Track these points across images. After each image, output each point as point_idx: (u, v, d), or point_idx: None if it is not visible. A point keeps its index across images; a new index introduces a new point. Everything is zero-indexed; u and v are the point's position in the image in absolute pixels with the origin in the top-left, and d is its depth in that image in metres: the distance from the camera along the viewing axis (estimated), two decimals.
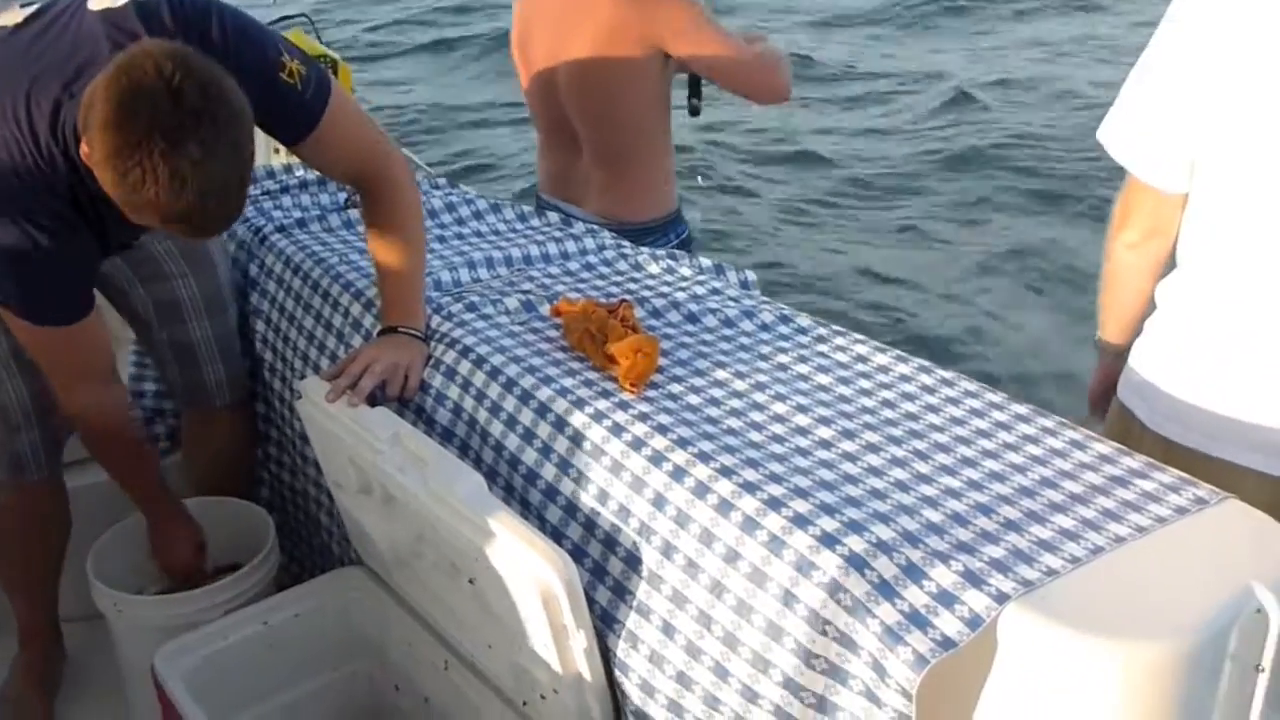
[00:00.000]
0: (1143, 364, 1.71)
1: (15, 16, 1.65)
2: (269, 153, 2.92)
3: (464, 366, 1.71)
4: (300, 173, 2.51)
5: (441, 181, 2.48)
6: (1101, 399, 1.90)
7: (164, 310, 2.10)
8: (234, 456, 2.30)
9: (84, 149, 1.48)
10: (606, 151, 2.51)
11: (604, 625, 1.44)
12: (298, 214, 2.31)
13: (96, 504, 2.00)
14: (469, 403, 1.69)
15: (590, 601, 1.44)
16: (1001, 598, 1.14)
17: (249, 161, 1.51)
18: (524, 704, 1.62)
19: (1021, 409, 1.55)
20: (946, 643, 1.12)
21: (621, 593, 1.42)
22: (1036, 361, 4.78)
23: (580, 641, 1.39)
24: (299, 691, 1.95)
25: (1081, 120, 6.71)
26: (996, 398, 1.58)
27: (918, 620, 1.15)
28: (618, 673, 1.44)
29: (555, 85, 2.48)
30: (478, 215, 2.32)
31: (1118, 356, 1.82)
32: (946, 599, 1.15)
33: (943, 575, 1.17)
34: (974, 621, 1.13)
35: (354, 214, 2.31)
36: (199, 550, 2.07)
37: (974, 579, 1.16)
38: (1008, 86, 7.79)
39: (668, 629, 1.37)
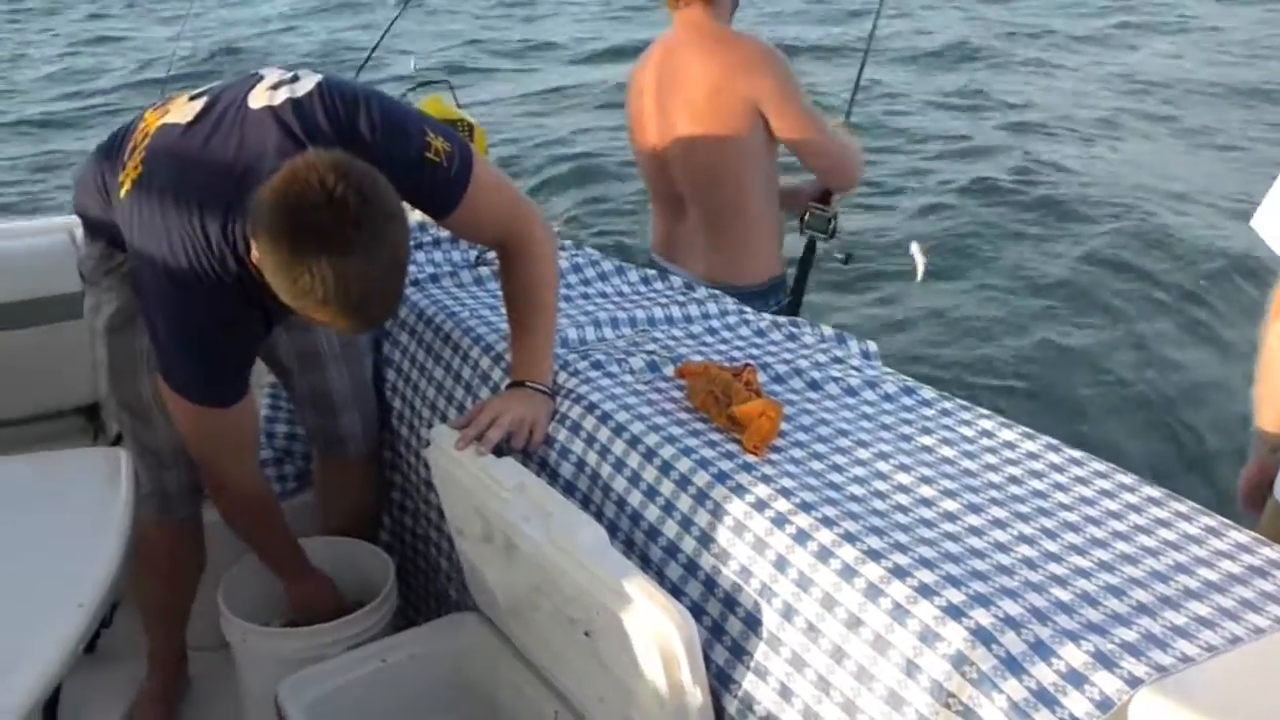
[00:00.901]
0: None
1: (186, 111, 1.76)
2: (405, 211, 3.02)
3: (589, 422, 1.75)
4: (434, 231, 2.59)
5: (567, 243, 2.54)
6: (1254, 494, 1.83)
7: (306, 358, 2.18)
8: (364, 503, 2.37)
9: (254, 254, 1.58)
10: (709, 213, 2.59)
11: (719, 684, 1.45)
12: (431, 269, 2.39)
13: (228, 535, 2.07)
14: (592, 458, 1.72)
15: (707, 660, 1.45)
16: (1134, 681, 1.12)
17: (405, 258, 1.60)
18: None
19: (1154, 492, 1.53)
20: None
21: (739, 653, 1.43)
22: (1172, 448, 4.63)
23: (696, 699, 1.40)
24: None
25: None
26: (1128, 479, 1.56)
27: (1046, 699, 1.13)
28: None
29: (662, 147, 2.58)
30: (603, 277, 2.38)
31: (1275, 450, 1.76)
32: (1076, 679, 1.13)
33: (1072, 654, 1.16)
34: (1105, 704, 1.11)
35: (484, 271, 2.39)
36: (335, 600, 2.15)
37: (1105, 660, 1.15)
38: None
39: (785, 692, 1.37)
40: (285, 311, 1.65)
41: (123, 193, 1.76)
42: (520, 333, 1.89)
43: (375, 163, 1.56)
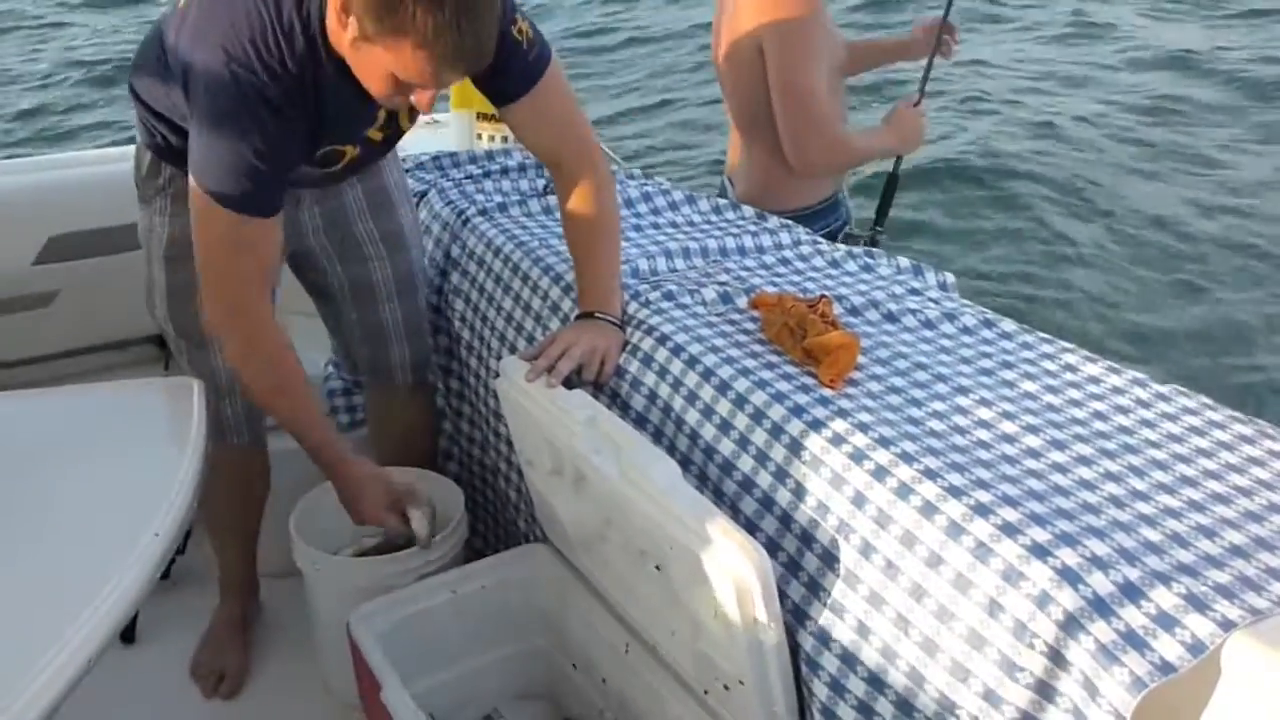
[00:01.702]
0: None
1: None
2: (471, 138, 3.00)
3: (661, 354, 1.72)
4: (502, 159, 2.57)
5: (636, 172, 2.50)
6: None
7: (359, 291, 2.18)
8: (416, 432, 2.38)
9: (343, 20, 1.54)
10: (749, 138, 2.55)
11: (795, 621, 1.43)
12: (499, 198, 2.36)
13: (302, 466, 2.08)
14: (665, 390, 1.69)
15: (782, 596, 1.43)
16: (1227, 625, 1.08)
17: (500, 16, 1.57)
18: (705, 693, 1.62)
19: (1246, 429, 1.47)
20: (1166, 667, 1.07)
21: (815, 590, 1.41)
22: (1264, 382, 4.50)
23: (771, 636, 1.38)
24: (481, 661, 2.00)
25: None
26: (1218, 415, 1.50)
27: (1135, 642, 1.10)
28: (806, 670, 1.42)
29: (720, 70, 2.56)
30: (673, 206, 2.34)
31: None
32: (1167, 622, 1.10)
33: (1163, 597, 1.12)
34: (1196, 647, 1.07)
35: (553, 200, 2.36)
36: (388, 493, 1.97)
37: (1197, 603, 1.11)
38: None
39: (862, 629, 1.35)
40: (344, 119, 1.64)
41: (180, 4, 1.72)
42: (585, 261, 1.86)
43: None
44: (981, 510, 1.26)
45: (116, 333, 2.80)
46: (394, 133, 1.98)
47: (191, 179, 1.71)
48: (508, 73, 1.77)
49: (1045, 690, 1.16)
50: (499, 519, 2.35)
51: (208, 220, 1.72)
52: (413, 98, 1.61)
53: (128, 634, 2.36)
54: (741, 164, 2.63)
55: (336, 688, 2.15)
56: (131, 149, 2.07)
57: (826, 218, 2.63)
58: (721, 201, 2.35)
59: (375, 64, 1.57)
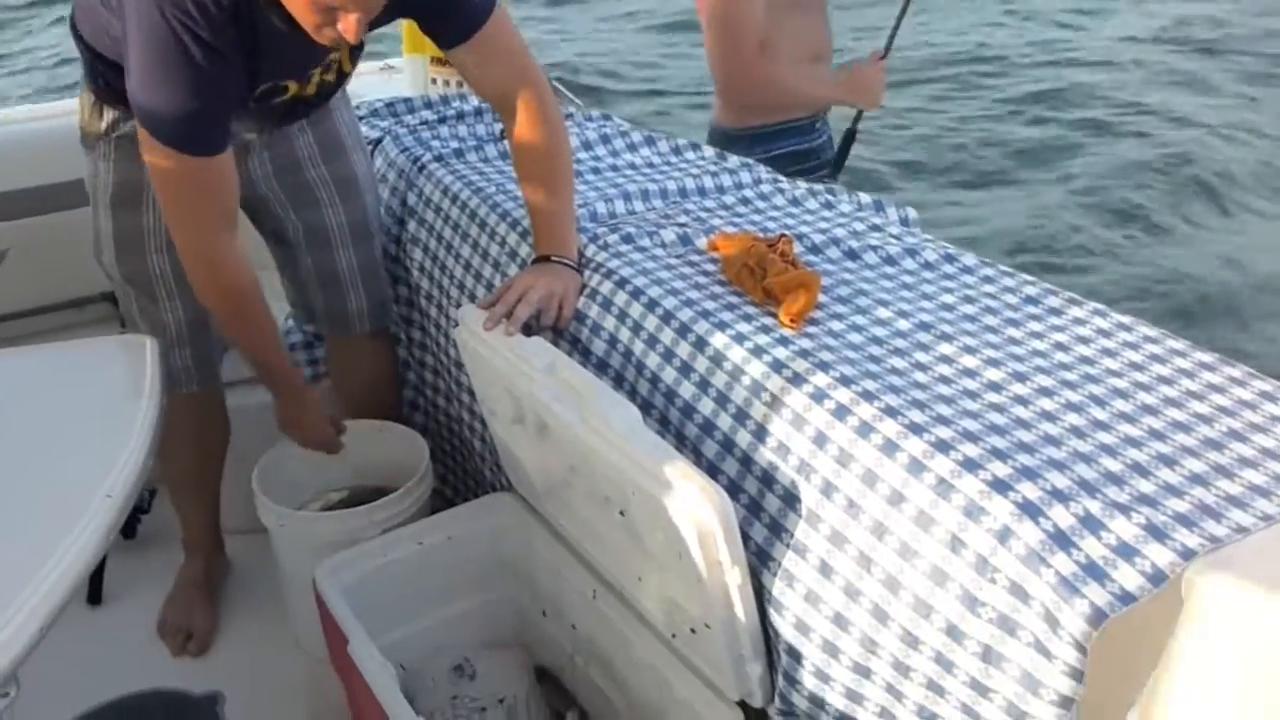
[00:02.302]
0: None
1: None
2: (426, 83, 2.94)
3: (620, 297, 1.70)
4: (457, 104, 2.53)
5: (594, 113, 2.46)
6: None
7: (313, 236, 2.14)
8: (378, 381, 2.35)
9: None
10: (709, 55, 2.51)
11: (758, 562, 1.42)
12: (455, 144, 2.32)
13: (263, 422, 2.06)
14: (625, 334, 1.67)
15: (746, 538, 1.42)
16: (1187, 553, 1.08)
17: None
18: (673, 636, 1.62)
19: (1206, 356, 1.47)
20: (1126, 597, 1.07)
21: (778, 530, 1.40)
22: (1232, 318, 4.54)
23: (735, 577, 1.38)
24: (449, 612, 1.99)
25: None
26: (1179, 344, 1.50)
27: (1095, 573, 1.09)
28: (771, 610, 1.42)
29: None
30: (632, 147, 2.30)
31: None
32: (1127, 552, 1.10)
33: (1123, 527, 1.12)
34: (1156, 577, 1.07)
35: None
36: (329, 422, 2.07)
37: (1157, 533, 1.11)
38: None
39: (825, 569, 1.34)
40: (278, 57, 1.61)
41: None
42: (540, 204, 1.83)
43: None
44: (942, 446, 1.25)
45: (70, 291, 2.75)
46: (338, 76, 1.93)
47: (136, 120, 1.69)
48: (452, 15, 1.74)
49: (1007, 624, 1.16)
50: (465, 469, 2.34)
51: (156, 161, 1.71)
52: (339, 26, 1.57)
53: (94, 595, 2.35)
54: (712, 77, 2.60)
55: (305, 642, 2.14)
56: (74, 102, 2.01)
57: (791, 139, 2.60)
58: (681, 142, 2.32)
59: None
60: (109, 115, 1.88)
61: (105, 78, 1.84)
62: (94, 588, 2.34)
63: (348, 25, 1.56)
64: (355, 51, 1.89)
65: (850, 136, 2.70)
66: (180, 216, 1.78)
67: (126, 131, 1.82)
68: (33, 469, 1.43)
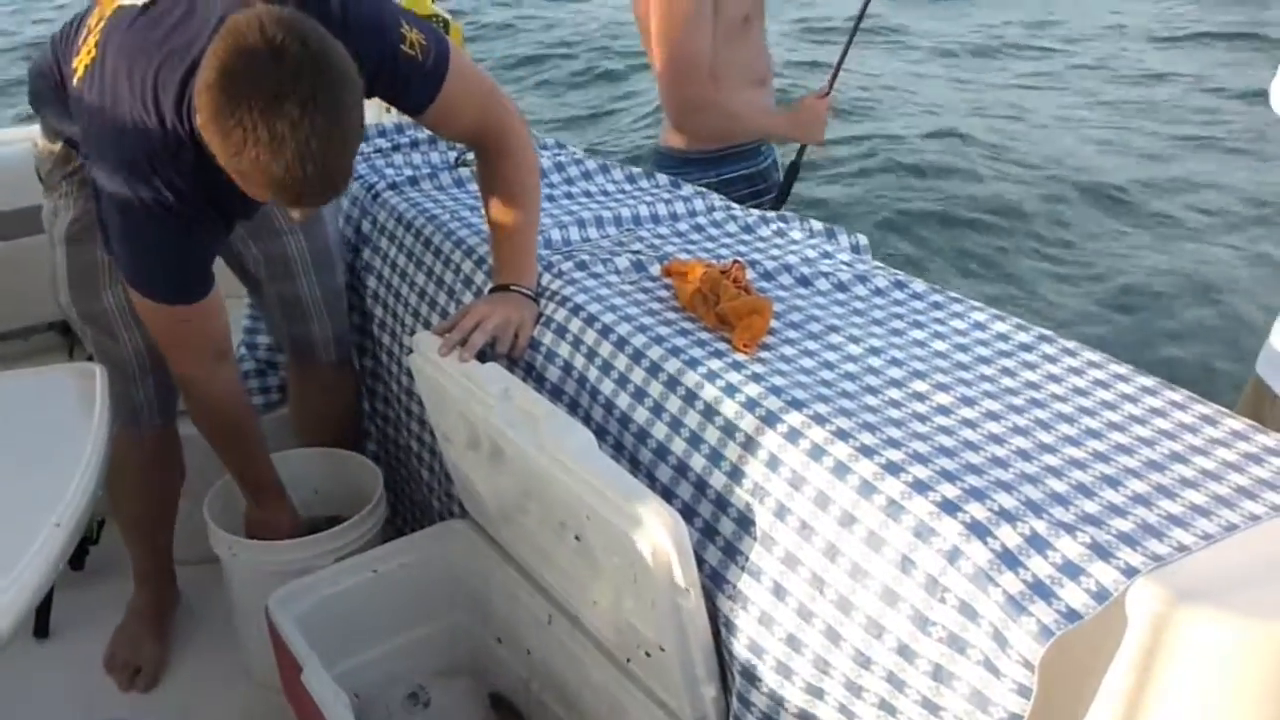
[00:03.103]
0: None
1: None
2: (380, 111, 2.94)
3: (575, 324, 1.71)
4: (411, 132, 2.53)
5: (549, 141, 2.48)
6: None
7: (274, 266, 2.13)
8: (340, 411, 2.34)
9: (198, 119, 1.47)
10: (660, 82, 2.51)
11: (713, 585, 1.43)
12: (409, 171, 2.33)
13: (214, 453, 2.04)
14: (579, 361, 1.68)
15: (700, 561, 1.43)
16: (1130, 571, 1.10)
17: (354, 127, 1.47)
18: (628, 660, 1.62)
19: (1148, 381, 1.50)
20: (1072, 615, 1.09)
21: (732, 553, 1.41)
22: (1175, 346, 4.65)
23: (689, 600, 1.38)
24: (404, 639, 1.99)
25: None
26: (1122, 369, 1.53)
27: (1042, 591, 1.11)
28: (724, 632, 1.43)
29: (637, 15, 2.55)
30: (586, 175, 2.32)
31: None
32: (1072, 570, 1.12)
33: (1068, 546, 1.14)
34: (1101, 595, 1.09)
35: (464, 172, 2.33)
36: (291, 530, 2.09)
37: (1101, 551, 1.13)
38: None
39: (779, 590, 1.35)
40: (245, 203, 1.58)
41: (76, 79, 1.68)
42: (502, 234, 1.84)
43: (345, 46, 1.47)
44: (892, 469, 1.27)
45: (16, 320, 2.71)
46: None
47: (122, 277, 1.77)
48: (409, 89, 1.73)
49: (957, 643, 1.18)
50: (414, 498, 2.33)
51: (147, 310, 1.80)
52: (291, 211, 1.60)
53: (41, 628, 2.30)
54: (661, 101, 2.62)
55: (258, 672, 2.12)
56: (23, 130, 2.00)
57: (741, 162, 2.62)
58: (635, 170, 2.34)
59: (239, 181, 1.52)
60: (75, 160, 1.87)
61: (69, 132, 1.84)
62: (41, 620, 2.30)
63: (292, 214, 1.62)
64: None
65: (794, 169, 2.74)
66: (174, 352, 1.88)
67: (88, 174, 1.81)
68: None
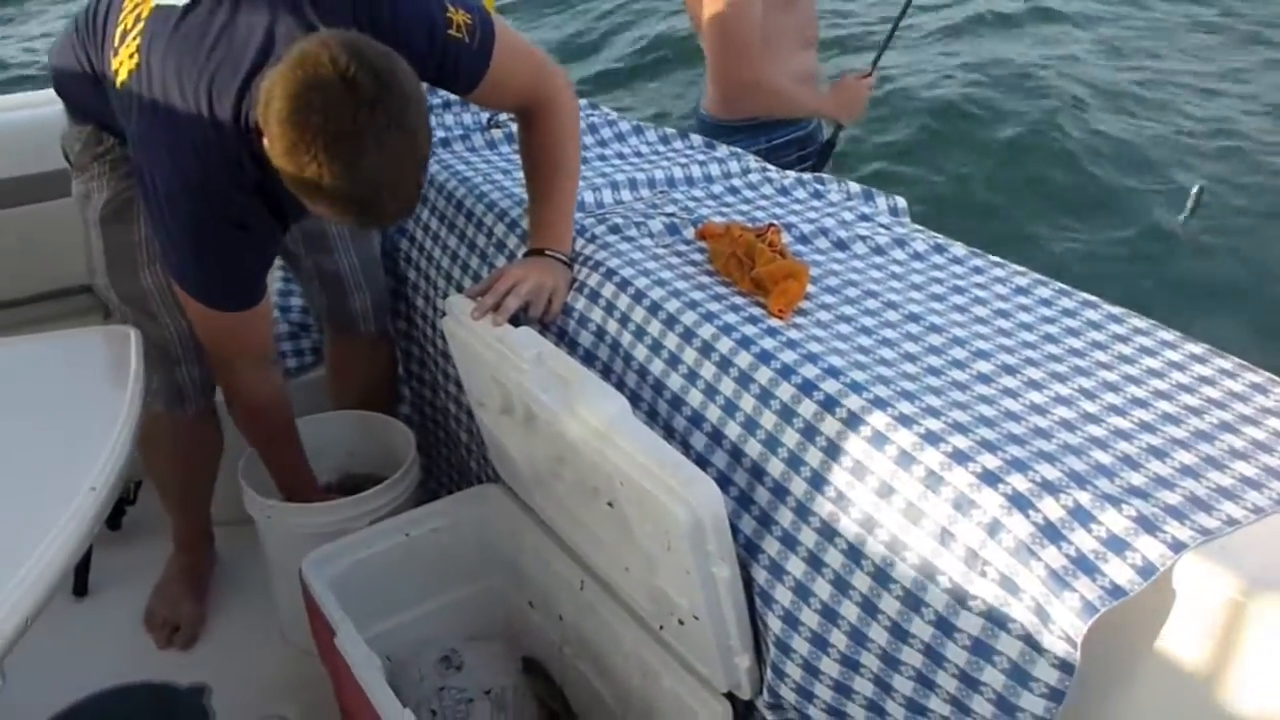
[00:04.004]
0: None
1: None
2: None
3: (608, 289, 1.69)
4: (444, 93, 2.50)
5: (582, 103, 2.44)
6: None
7: (312, 240, 2.11)
8: (377, 380, 2.33)
9: (266, 143, 1.47)
10: (710, 56, 2.58)
11: (748, 554, 1.42)
12: (441, 133, 2.30)
13: None
14: (612, 326, 1.66)
15: (735, 530, 1.42)
16: (1178, 546, 1.07)
17: (425, 148, 1.48)
18: (660, 627, 1.61)
19: (1197, 348, 1.47)
20: (1116, 591, 1.06)
21: (768, 523, 1.40)
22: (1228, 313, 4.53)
23: (723, 570, 1.37)
24: (436, 603, 1.99)
25: None
26: (1169, 335, 1.50)
27: (1085, 566, 1.09)
28: (760, 603, 1.42)
29: None
30: (620, 137, 2.29)
31: None
32: (1117, 545, 1.09)
33: (1113, 520, 1.11)
34: (1147, 570, 1.07)
35: (497, 134, 2.30)
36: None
37: (1147, 525, 1.10)
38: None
39: (815, 562, 1.34)
40: (302, 211, 1.57)
41: (118, 83, 1.66)
42: (540, 197, 1.81)
43: (395, 45, 1.45)
44: (932, 439, 1.25)
45: (52, 283, 2.72)
46: None
47: (174, 282, 1.76)
48: (459, 73, 1.70)
49: (997, 618, 1.15)
50: (451, 460, 2.33)
51: (197, 314, 1.80)
52: None
53: (80, 587, 2.33)
54: (707, 70, 2.66)
55: (293, 634, 2.14)
56: (53, 93, 1.98)
57: (788, 127, 2.65)
58: (669, 131, 2.31)
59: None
60: (108, 140, 1.85)
61: (100, 118, 1.82)
62: (80, 580, 2.32)
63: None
64: None
65: (829, 148, 2.76)
66: (222, 356, 1.90)
67: (121, 155, 1.80)
68: (15, 462, 1.41)
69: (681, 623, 1.52)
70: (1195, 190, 2.90)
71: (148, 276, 1.90)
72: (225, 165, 1.61)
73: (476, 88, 1.74)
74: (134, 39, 1.65)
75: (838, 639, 1.32)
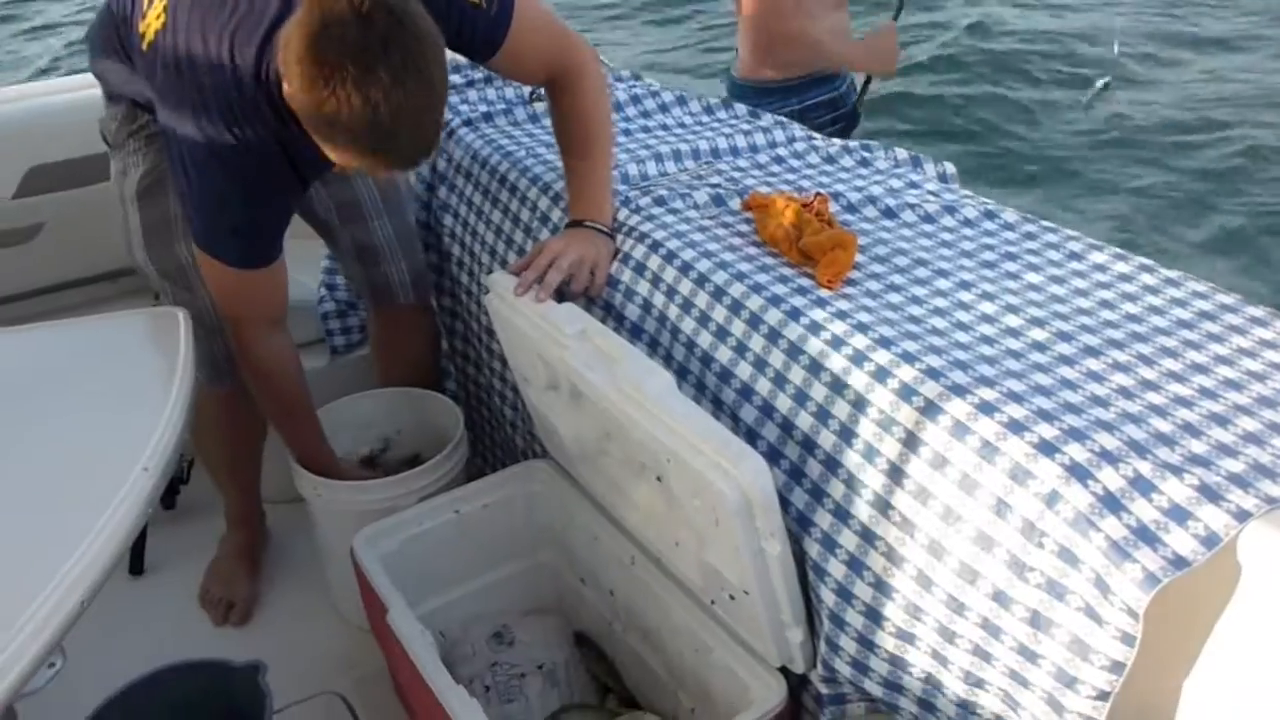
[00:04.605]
0: None
1: None
2: None
3: (654, 261, 1.67)
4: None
5: (625, 74, 2.43)
6: None
7: (345, 210, 2.12)
8: (420, 352, 2.34)
9: (286, 88, 1.48)
10: (747, 11, 2.63)
11: (799, 528, 1.40)
12: (484, 108, 2.29)
13: None
14: (659, 299, 1.65)
15: (786, 503, 1.41)
16: (1242, 515, 1.04)
17: (441, 87, 1.48)
18: (711, 602, 1.61)
19: (1258, 311, 1.43)
20: (1179, 561, 1.04)
21: (819, 496, 1.38)
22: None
23: (773, 546, 1.36)
24: (488, 579, 2.00)
25: None
26: (1229, 299, 1.46)
27: (1147, 536, 1.06)
28: (812, 576, 1.40)
29: None
30: (663, 108, 2.26)
31: None
32: (1179, 515, 1.07)
33: (1175, 489, 1.09)
34: (1210, 540, 1.04)
35: (540, 107, 2.29)
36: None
37: (1210, 494, 1.07)
38: None
39: (867, 535, 1.32)
40: (322, 165, 1.58)
41: (145, 44, 1.68)
42: (575, 168, 1.80)
43: None
44: (986, 408, 1.22)
45: (105, 264, 2.75)
46: None
47: (193, 239, 1.77)
48: (476, 39, 1.71)
49: (1056, 589, 1.13)
50: (497, 437, 2.33)
51: (213, 272, 1.80)
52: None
53: (136, 566, 2.36)
54: (738, 34, 2.69)
55: (346, 611, 2.16)
56: None
57: (820, 87, 2.69)
58: (713, 101, 2.28)
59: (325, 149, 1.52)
60: (143, 117, 1.87)
61: (133, 96, 1.84)
62: (136, 559, 2.35)
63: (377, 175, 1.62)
64: None
65: (862, 95, 2.80)
66: (233, 314, 1.88)
67: (154, 130, 1.82)
68: (70, 443, 1.43)
69: (732, 598, 1.51)
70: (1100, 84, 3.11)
71: (183, 250, 1.92)
72: (246, 117, 1.62)
73: (495, 55, 1.74)
74: (160, 1, 1.67)
75: (892, 612, 1.31)
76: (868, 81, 2.78)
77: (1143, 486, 1.10)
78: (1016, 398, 1.24)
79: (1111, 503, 1.10)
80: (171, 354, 1.65)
